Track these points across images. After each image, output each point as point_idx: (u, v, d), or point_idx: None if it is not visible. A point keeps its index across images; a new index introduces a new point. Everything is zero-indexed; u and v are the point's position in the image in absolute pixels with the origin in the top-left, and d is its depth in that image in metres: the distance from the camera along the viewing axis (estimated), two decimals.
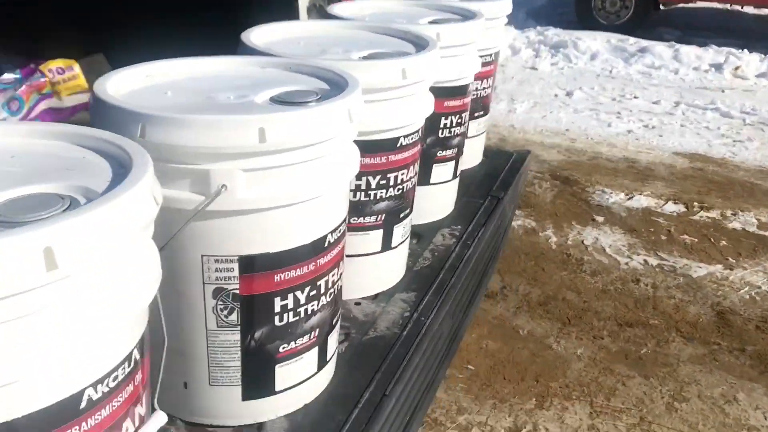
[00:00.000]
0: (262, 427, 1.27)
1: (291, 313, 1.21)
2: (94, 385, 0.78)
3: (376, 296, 1.69)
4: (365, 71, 1.39)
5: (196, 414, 1.27)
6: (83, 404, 0.77)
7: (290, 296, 1.20)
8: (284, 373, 1.26)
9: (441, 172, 2.06)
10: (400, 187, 1.62)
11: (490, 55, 2.37)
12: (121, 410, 0.83)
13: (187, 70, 1.33)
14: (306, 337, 1.26)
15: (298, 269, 1.18)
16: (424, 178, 1.99)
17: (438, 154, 2.03)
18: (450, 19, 2.07)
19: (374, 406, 1.32)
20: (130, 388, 0.85)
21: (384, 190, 1.59)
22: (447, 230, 2.06)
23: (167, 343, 0.99)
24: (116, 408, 0.82)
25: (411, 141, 1.59)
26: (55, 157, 0.90)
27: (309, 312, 1.24)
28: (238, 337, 1.19)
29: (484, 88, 2.41)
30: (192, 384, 1.24)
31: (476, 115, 2.40)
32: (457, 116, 2.02)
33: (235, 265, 1.13)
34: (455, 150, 2.08)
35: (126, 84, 1.20)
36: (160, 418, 0.96)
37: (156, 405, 0.99)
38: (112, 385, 0.81)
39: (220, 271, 1.13)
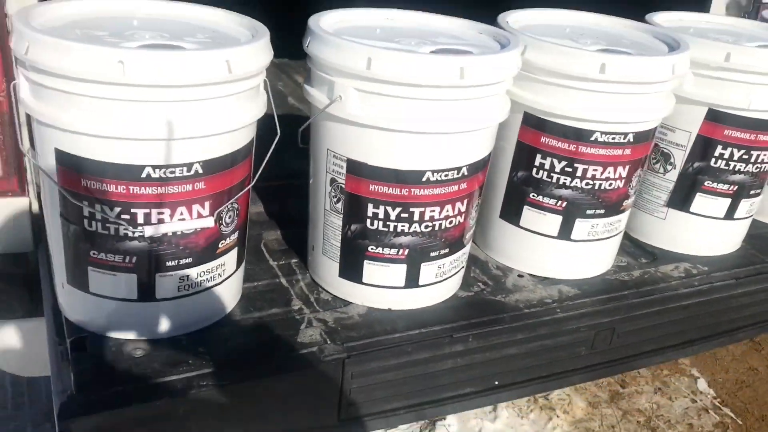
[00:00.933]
0: (348, 303, 1.58)
1: (380, 223, 1.47)
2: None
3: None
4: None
5: (314, 274, 1.65)
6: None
7: (381, 207, 1.45)
8: (371, 271, 1.53)
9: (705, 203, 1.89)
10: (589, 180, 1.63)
11: None
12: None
13: (417, 20, 1.65)
14: (393, 251, 1.50)
15: (390, 188, 1.43)
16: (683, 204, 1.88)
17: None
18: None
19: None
20: None
21: (569, 178, 1.63)
22: (688, 265, 1.89)
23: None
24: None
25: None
26: None
27: (398, 230, 1.47)
28: (340, 222, 1.51)
29: None
30: (315, 249, 1.61)
31: None
32: (741, 150, 1.81)
33: (344, 164, 1.44)
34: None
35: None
36: None
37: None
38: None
39: (336, 165, 1.46)
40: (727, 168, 1.82)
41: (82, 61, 1.12)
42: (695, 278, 1.84)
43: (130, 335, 1.37)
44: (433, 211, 1.46)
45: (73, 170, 1.22)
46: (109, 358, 1.31)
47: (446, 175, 1.44)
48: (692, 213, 1.90)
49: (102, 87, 1.14)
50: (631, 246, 1.97)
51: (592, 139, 1.58)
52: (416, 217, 1.46)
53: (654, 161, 1.90)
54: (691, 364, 2.74)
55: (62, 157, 1.22)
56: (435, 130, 1.39)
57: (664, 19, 1.93)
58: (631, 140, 1.60)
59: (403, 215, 1.46)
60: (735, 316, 1.90)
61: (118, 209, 1.24)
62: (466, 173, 1.46)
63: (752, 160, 1.82)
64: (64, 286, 1.37)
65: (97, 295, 1.34)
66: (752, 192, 1.89)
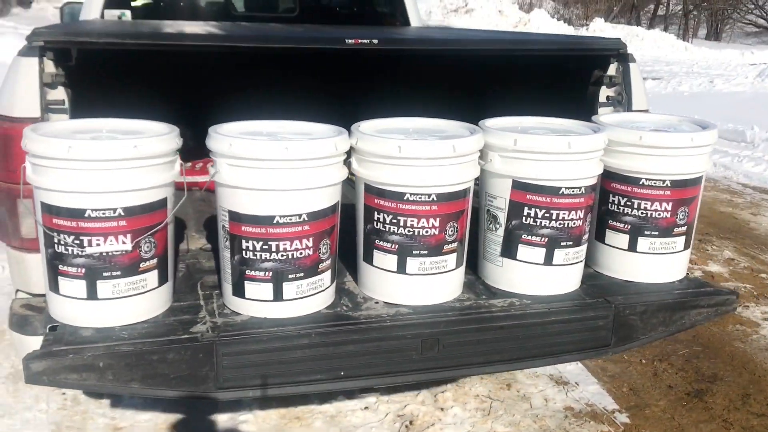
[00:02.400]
0: (239, 314, 2.28)
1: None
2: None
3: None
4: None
5: (222, 297, 2.37)
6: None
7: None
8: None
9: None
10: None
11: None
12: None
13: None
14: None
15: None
16: None
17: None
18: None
19: None
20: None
21: (396, 228, 2.32)
22: (516, 300, 2.47)
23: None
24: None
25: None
26: None
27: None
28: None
29: None
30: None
31: None
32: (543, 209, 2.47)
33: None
34: None
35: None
36: None
37: None
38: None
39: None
40: (535, 224, 2.44)
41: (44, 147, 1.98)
42: (514, 306, 2.42)
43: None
44: (286, 244, 2.18)
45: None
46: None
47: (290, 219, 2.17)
48: (519, 260, 2.50)
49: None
50: (481, 287, 2.57)
51: (405, 198, 2.27)
52: (274, 249, 2.18)
53: (488, 222, 2.53)
54: None
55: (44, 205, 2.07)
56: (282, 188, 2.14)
57: (494, 122, 2.61)
58: (435, 199, 2.28)
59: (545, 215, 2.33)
60: (553, 340, 2.43)
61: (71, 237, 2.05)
62: (306, 218, 2.19)
63: (553, 217, 2.42)
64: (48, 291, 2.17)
65: (65, 296, 2.13)
66: (563, 243, 2.47)
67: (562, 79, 3.16)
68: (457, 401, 3.28)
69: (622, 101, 2.95)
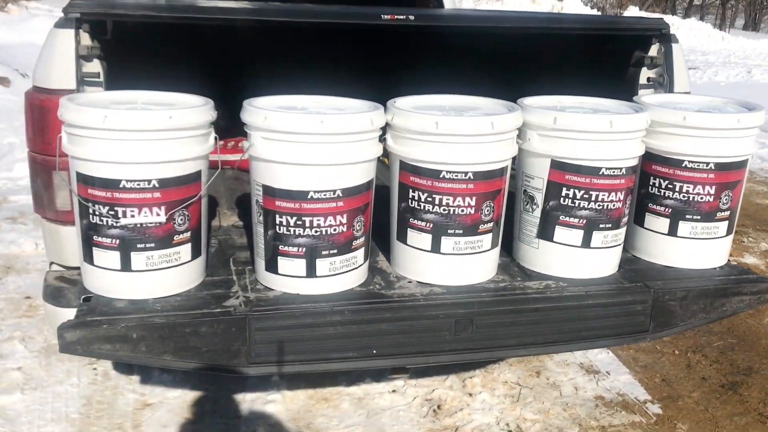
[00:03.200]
0: (272, 290, 2.26)
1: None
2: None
3: None
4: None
5: (256, 272, 2.35)
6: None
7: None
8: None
9: None
10: None
11: None
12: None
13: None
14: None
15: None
16: None
17: None
18: None
19: None
20: None
21: (431, 206, 2.28)
22: (551, 282, 2.43)
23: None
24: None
25: None
26: None
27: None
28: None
29: None
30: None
31: None
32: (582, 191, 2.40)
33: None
34: None
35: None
36: None
37: None
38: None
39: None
40: (573, 205, 2.38)
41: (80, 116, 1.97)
42: (550, 289, 2.37)
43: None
44: (319, 220, 2.16)
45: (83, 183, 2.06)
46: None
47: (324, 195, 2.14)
48: (556, 242, 2.45)
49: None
50: (516, 269, 2.53)
51: (441, 176, 2.23)
52: (308, 224, 2.16)
53: (524, 203, 2.48)
54: (688, 429, 3.03)
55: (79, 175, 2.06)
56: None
57: (533, 101, 2.55)
58: (471, 177, 2.24)
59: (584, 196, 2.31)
60: (589, 324, 2.37)
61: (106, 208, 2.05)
62: (341, 194, 2.16)
63: (592, 199, 2.36)
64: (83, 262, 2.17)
65: (99, 267, 2.13)
66: (601, 225, 2.41)
67: (602, 59, 3.08)
68: (485, 387, 3.24)
69: (664, 83, 2.87)
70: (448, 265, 2.34)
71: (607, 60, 3.04)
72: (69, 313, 2.18)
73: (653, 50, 2.87)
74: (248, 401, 3.08)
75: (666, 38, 2.85)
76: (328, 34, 3.50)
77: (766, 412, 3.15)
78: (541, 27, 3.05)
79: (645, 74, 2.92)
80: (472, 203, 2.26)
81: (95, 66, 2.36)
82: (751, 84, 13.09)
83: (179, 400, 3.07)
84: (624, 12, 26.24)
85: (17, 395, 3.04)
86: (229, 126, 2.52)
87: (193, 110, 2.10)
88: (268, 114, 2.09)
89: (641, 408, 3.15)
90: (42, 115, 2.31)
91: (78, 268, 2.32)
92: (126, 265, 2.10)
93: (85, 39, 2.32)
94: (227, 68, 3.78)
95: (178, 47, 3.31)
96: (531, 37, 3.09)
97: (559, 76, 2.99)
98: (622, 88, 2.92)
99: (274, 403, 3.08)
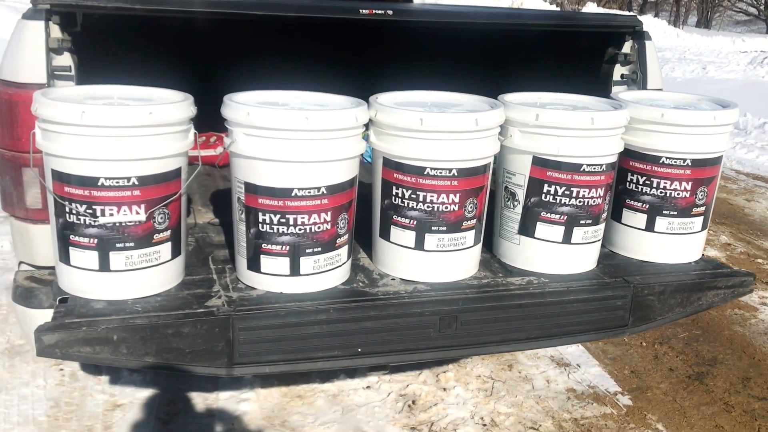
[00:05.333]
0: (253, 288, 2.22)
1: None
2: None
3: None
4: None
5: (236, 271, 2.31)
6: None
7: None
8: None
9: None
10: None
11: None
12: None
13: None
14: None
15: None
16: None
17: None
18: None
19: None
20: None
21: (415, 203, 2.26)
22: (533, 278, 2.44)
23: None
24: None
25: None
26: None
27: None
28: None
29: None
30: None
31: None
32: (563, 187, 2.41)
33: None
34: None
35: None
36: None
37: None
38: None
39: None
40: (554, 202, 2.39)
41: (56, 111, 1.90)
42: (533, 285, 2.38)
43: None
44: (304, 218, 2.12)
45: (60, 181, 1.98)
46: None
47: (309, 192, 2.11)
48: (537, 238, 2.46)
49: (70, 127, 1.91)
50: (497, 265, 2.53)
51: (425, 173, 2.22)
52: (291, 222, 2.12)
53: (506, 199, 2.49)
54: (658, 419, 3.08)
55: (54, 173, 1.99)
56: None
57: (514, 97, 2.56)
58: (456, 174, 2.23)
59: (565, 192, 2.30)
60: (571, 319, 2.39)
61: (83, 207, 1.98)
62: (325, 192, 2.12)
63: (573, 195, 2.38)
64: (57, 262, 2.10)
65: (76, 267, 2.06)
66: (582, 222, 2.43)
67: (576, 56, 3.11)
68: (459, 381, 3.25)
69: (637, 80, 2.91)
70: (432, 262, 2.33)
71: (582, 56, 3.07)
72: (41, 314, 2.12)
73: (627, 47, 2.90)
74: (222, 400, 3.04)
75: (639, 35, 2.89)
76: (304, 27, 3.45)
77: (731, 401, 3.23)
78: (517, 23, 3.06)
79: (618, 71, 2.95)
80: (456, 200, 2.26)
81: (66, 59, 2.28)
82: (707, 80, 13.39)
83: (150, 400, 3.00)
84: (582, 8, 26.58)
85: None
86: (204, 119, 2.46)
87: (174, 106, 2.04)
88: (251, 110, 2.05)
89: (612, 400, 3.20)
90: (10, 109, 2.22)
91: (50, 268, 2.24)
92: (104, 265, 2.04)
93: (55, 31, 2.24)
94: (201, 62, 3.69)
95: (150, 41, 3.22)
96: (507, 33, 3.09)
97: (534, 73, 3.00)
98: (596, 84, 2.95)
99: (248, 401, 3.04)
